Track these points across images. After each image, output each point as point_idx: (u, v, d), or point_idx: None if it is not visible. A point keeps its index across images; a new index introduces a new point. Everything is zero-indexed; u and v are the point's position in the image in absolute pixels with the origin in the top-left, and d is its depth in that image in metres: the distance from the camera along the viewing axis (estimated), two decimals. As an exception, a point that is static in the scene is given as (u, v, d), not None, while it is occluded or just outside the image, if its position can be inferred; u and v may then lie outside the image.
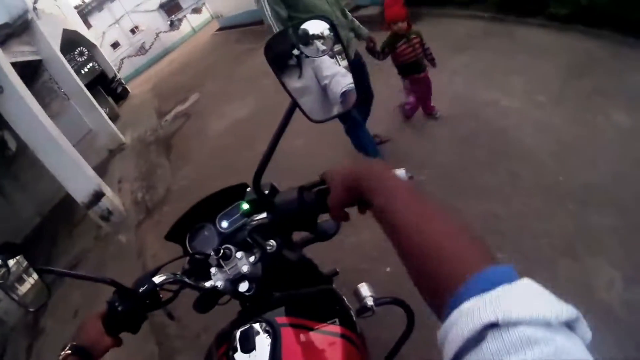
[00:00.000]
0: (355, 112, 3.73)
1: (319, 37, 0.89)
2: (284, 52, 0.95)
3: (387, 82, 5.07)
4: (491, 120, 4.39)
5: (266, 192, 1.10)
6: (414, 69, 4.29)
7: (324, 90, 1.07)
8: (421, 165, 4.09)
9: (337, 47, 0.93)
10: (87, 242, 6.85)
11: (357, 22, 3.83)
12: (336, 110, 1.00)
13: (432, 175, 3.88)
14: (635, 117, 3.74)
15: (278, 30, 3.14)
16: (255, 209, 1.15)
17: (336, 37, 0.89)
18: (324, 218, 1.06)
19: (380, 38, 4.17)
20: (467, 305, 0.44)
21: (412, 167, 3.26)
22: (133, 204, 7.13)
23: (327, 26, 0.89)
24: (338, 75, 1.07)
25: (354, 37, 3.75)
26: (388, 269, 3.07)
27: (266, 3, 3.21)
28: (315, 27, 0.90)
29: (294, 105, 0.93)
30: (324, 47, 0.89)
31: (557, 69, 4.95)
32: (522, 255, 2.93)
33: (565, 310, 0.42)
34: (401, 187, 0.73)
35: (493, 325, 0.41)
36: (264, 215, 1.10)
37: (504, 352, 0.39)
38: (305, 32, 0.91)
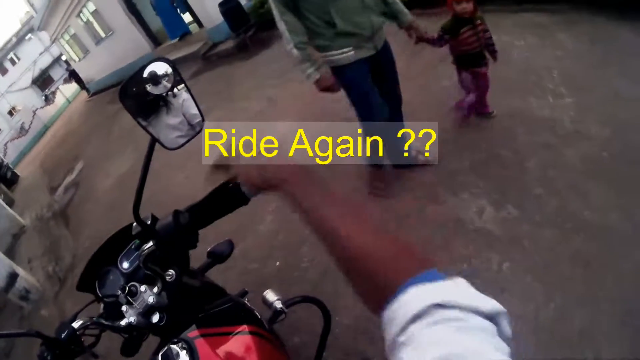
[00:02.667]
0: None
1: (165, 76, 0.97)
2: (139, 94, 1.00)
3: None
4: (345, 113, 4.57)
5: (148, 222, 1.13)
6: (475, 62, 3.37)
7: (189, 123, 1.14)
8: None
9: (181, 85, 1.02)
10: (13, 324, 6.50)
11: (400, 5, 2.96)
12: (190, 135, 1.09)
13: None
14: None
15: (277, 8, 2.64)
16: (143, 241, 1.18)
17: (177, 75, 0.98)
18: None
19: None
20: (413, 291, 0.52)
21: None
22: (46, 278, 6.81)
23: (169, 66, 0.96)
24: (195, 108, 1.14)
25: (384, 23, 2.88)
26: (277, 263, 3.19)
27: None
28: (160, 67, 0.97)
29: (153, 140, 0.99)
30: (169, 85, 0.96)
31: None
32: (393, 215, 3.17)
33: (492, 304, 0.50)
34: (334, 196, 0.75)
35: (437, 305, 0.49)
36: (150, 243, 1.13)
37: (438, 323, 0.47)
38: (154, 73, 0.96)
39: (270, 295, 1.36)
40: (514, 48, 4.42)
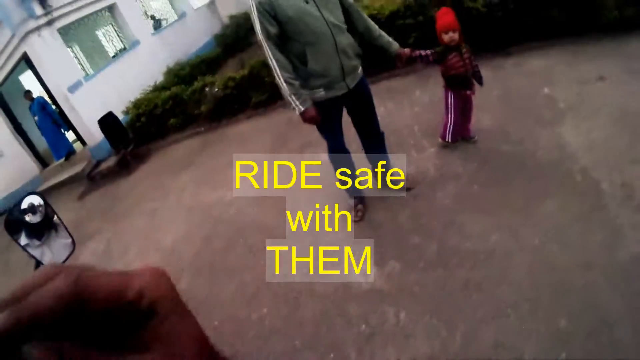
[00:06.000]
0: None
1: (39, 205, 1.09)
2: (21, 224, 1.11)
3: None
4: (222, 215, 4.76)
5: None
6: (463, 84, 3.75)
7: (66, 242, 1.25)
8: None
9: (55, 217, 1.15)
10: None
11: (385, 38, 3.26)
12: (68, 253, 1.21)
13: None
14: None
15: (269, 49, 2.89)
16: None
17: (47, 203, 1.11)
18: None
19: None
20: None
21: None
22: None
23: (40, 198, 1.10)
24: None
25: (359, 65, 3.17)
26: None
27: (255, 16, 2.83)
28: (34, 199, 1.10)
29: (37, 262, 1.09)
30: (44, 212, 1.09)
31: (263, 145, 5.71)
32: (282, 298, 3.18)
33: None
34: None
35: None
36: None
37: None
38: (30, 205, 1.09)
39: None
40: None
